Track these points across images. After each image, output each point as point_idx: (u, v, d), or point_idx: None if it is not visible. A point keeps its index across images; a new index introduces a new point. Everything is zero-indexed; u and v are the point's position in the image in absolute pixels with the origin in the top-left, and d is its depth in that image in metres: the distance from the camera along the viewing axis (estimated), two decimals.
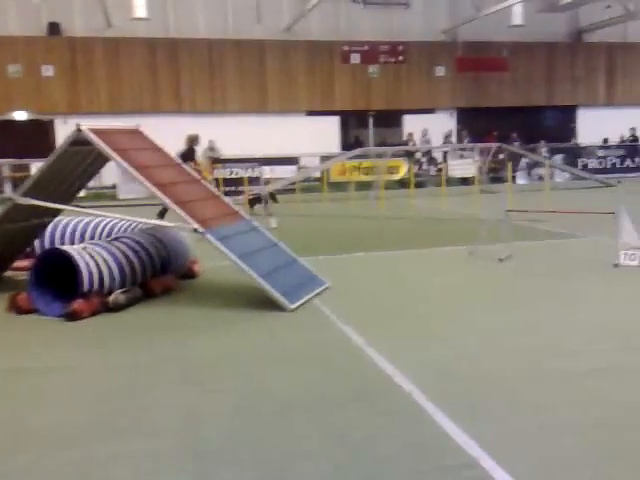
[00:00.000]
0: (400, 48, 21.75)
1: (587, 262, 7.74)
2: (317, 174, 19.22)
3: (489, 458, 3.10)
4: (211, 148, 19.69)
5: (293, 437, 3.42)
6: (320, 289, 6.57)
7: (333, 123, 21.93)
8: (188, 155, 12.33)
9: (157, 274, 6.76)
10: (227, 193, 15.25)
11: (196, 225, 6.07)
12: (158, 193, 6.13)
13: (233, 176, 18.68)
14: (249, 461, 3.18)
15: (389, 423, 3.55)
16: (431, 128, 21.92)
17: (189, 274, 7.48)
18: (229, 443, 3.37)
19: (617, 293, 6.38)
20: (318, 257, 8.29)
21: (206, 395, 4.03)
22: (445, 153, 20.56)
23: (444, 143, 21.92)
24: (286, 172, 18.42)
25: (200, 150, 15.85)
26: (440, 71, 22.31)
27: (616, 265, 7.26)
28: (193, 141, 12.81)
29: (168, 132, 15.81)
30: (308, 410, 3.75)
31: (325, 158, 19.44)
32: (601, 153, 21.73)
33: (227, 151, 19.37)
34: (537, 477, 2.97)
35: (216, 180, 17.01)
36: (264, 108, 21.35)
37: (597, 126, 23.10)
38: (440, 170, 18.41)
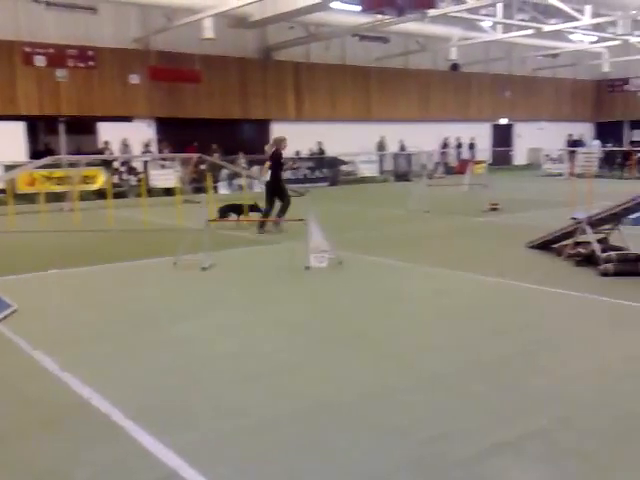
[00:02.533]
0: (90, 53, 20.75)
1: (282, 267, 8.25)
2: (0, 185, 17.30)
3: (189, 467, 3.08)
4: None
5: None
6: (5, 313, 5.88)
7: (17, 129, 19.94)
8: (277, 157, 11.48)
9: None
10: None
11: None
12: None
13: None
14: None
15: (84, 448, 3.31)
16: (129, 137, 21.37)
17: None
18: None
19: (306, 293, 6.93)
20: (3, 278, 7.46)
21: None
22: (145, 163, 20.19)
23: (144, 152, 21.54)
24: None
25: None
26: (135, 79, 21.85)
27: (307, 268, 7.87)
28: (279, 143, 11.76)
29: None
30: None
31: (10, 167, 17.61)
32: (294, 165, 23.53)
33: None
34: (234, 478, 3.03)
35: None
36: None
37: (289, 139, 24.94)
38: (140, 180, 18.00)
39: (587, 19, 21.64)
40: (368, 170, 25.56)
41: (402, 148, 27.61)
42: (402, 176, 25.83)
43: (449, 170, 28.11)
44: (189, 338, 5.26)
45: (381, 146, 27.42)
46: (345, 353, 4.82)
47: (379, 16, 20.32)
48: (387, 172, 26.32)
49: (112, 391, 4.04)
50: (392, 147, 27.55)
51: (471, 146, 30.63)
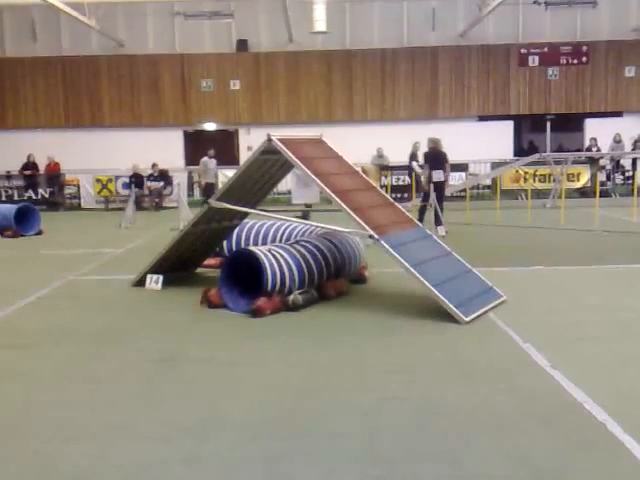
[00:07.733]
0: (584, 48, 20.44)
1: None
2: (487, 181, 18.61)
3: None
4: (379, 155, 19.84)
5: (472, 455, 3.28)
6: (496, 302, 6.31)
7: (506, 128, 21.10)
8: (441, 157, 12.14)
9: (331, 277, 6.90)
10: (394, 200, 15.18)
11: (372, 231, 6.11)
12: (337, 199, 6.26)
13: (400, 183, 18.70)
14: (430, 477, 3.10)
15: (581, 454, 3.28)
16: (621, 133, 20.25)
17: (360, 279, 7.55)
18: (409, 456, 3.29)
19: None
20: (491, 269, 7.92)
21: (382, 402, 4.00)
22: (634, 160, 18.88)
23: (633, 149, 20.15)
24: (455, 179, 17.99)
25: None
26: (630, 71, 20.61)
27: None
28: (437, 143, 12.30)
29: (341, 141, 16.21)
30: (488, 430, 3.57)
31: (496, 164, 18.77)
32: None
33: (394, 158, 19.36)
34: None
35: (384, 187, 17.06)
36: (434, 114, 21.04)
37: None
38: (629, 179, 16.93)
39: None
40: None
41: None
42: None
43: None
44: None
45: None
46: None
47: None
48: None
49: (607, 399, 3.89)
50: None
51: None
